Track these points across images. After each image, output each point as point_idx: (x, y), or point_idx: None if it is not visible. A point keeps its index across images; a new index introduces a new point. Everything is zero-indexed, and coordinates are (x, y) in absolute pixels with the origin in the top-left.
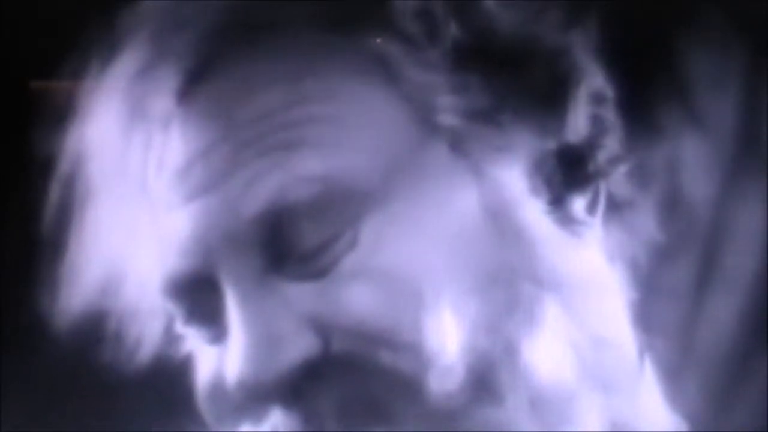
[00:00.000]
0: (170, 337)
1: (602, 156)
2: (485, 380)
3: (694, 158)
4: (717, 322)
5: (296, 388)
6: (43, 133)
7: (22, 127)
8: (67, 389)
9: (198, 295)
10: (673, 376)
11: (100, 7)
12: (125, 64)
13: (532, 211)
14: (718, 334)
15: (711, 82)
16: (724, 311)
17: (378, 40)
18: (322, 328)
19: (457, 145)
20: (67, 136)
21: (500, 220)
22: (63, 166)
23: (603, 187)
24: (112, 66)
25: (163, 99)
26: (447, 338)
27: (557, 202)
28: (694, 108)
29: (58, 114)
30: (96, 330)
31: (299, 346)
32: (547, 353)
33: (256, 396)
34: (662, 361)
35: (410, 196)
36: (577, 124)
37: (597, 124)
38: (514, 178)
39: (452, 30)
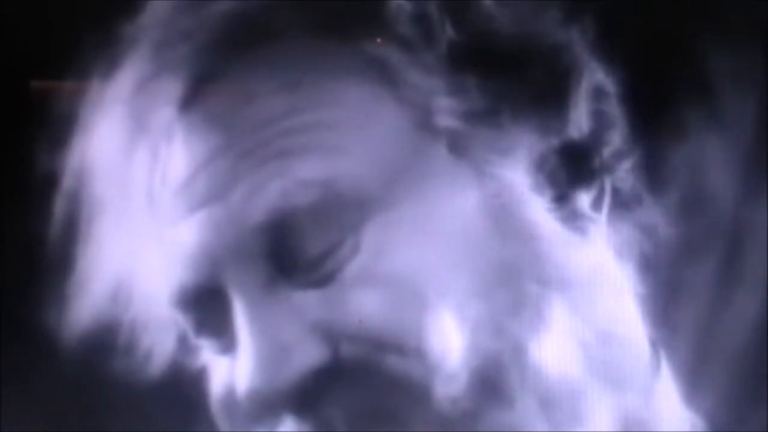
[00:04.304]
0: (185, 349)
1: (606, 151)
2: (494, 382)
3: (701, 153)
4: (728, 318)
5: (306, 395)
6: (47, 143)
7: (25, 137)
8: (77, 401)
9: (206, 306)
10: (685, 373)
11: (103, 16)
12: (127, 76)
13: (536, 209)
14: (729, 330)
15: (718, 75)
16: (736, 307)
17: (378, 40)
18: (330, 335)
19: (458, 146)
20: (72, 148)
21: (504, 220)
22: (68, 177)
23: (608, 183)
24: (114, 77)
25: (164, 109)
26: (454, 341)
27: (562, 199)
28: (700, 101)
29: (61, 124)
30: (106, 342)
31: (307, 354)
32: (556, 352)
33: (267, 405)
34: (673, 358)
35: (412, 199)
36: (580, 120)
37: (599, 119)
38: (516, 177)
39: (448, 32)
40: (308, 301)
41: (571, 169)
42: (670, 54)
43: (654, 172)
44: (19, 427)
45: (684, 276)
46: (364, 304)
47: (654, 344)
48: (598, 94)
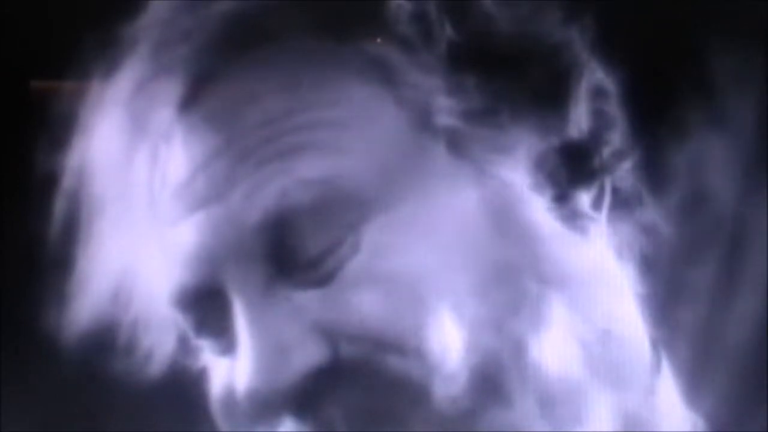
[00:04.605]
0: (185, 350)
1: (606, 151)
2: (494, 381)
3: (702, 152)
4: (728, 317)
5: (306, 395)
6: (47, 143)
7: (25, 137)
8: (77, 402)
9: (206, 306)
10: (685, 373)
11: (103, 17)
12: (127, 76)
13: (536, 208)
14: (730, 330)
15: (718, 75)
16: (736, 306)
17: (378, 40)
18: (330, 335)
19: (457, 146)
20: (71, 148)
21: (503, 219)
22: (68, 178)
23: (608, 183)
24: (114, 77)
25: (164, 110)
26: (454, 340)
27: (562, 198)
28: (701, 101)
29: (62, 125)
30: (106, 342)
31: (307, 354)
32: (556, 352)
33: (267, 405)
34: (674, 357)
35: (411, 198)
36: (580, 120)
37: (599, 119)
38: (516, 177)
39: (448, 31)
40: (308, 300)
41: (571, 169)
42: (670, 54)
43: (654, 172)
44: (19, 427)
45: (684, 276)
46: (364, 304)
47: (654, 344)
48: (598, 93)
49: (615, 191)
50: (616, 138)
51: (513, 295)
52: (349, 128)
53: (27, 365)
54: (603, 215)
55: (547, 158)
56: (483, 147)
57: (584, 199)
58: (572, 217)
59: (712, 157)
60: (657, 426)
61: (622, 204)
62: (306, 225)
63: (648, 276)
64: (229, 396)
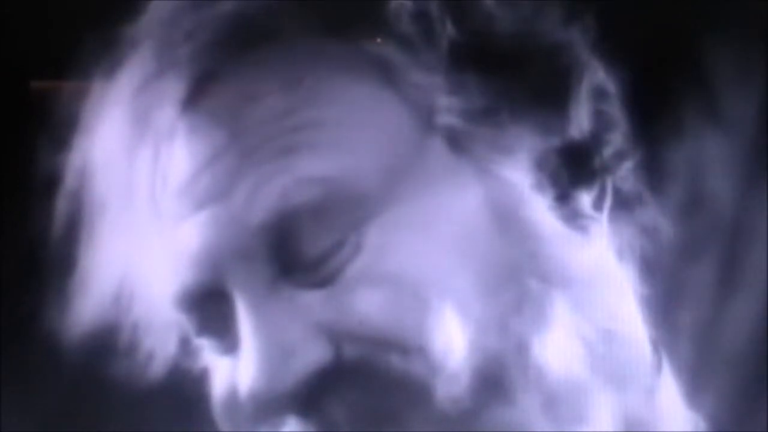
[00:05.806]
0: (187, 351)
1: (607, 151)
2: (496, 381)
3: (702, 152)
4: (729, 317)
5: (309, 395)
6: (48, 143)
7: (26, 137)
8: (78, 403)
9: (209, 306)
10: (687, 373)
11: (103, 17)
12: (128, 76)
13: (538, 208)
14: (731, 330)
15: (718, 75)
16: (737, 307)
17: (378, 40)
18: (333, 336)
19: (459, 145)
20: (73, 148)
21: (505, 219)
22: (69, 178)
23: (609, 183)
24: (115, 77)
25: (166, 110)
26: (457, 340)
27: (563, 198)
28: (701, 101)
29: (62, 125)
30: (108, 343)
31: (310, 354)
32: (558, 351)
33: (270, 406)
34: (675, 357)
35: (413, 198)
36: (581, 120)
37: (600, 119)
38: (518, 176)
39: (449, 31)
40: (311, 301)
41: (573, 169)
42: (670, 54)
43: (655, 172)
44: (19, 427)
45: (685, 276)
46: (366, 304)
47: (655, 344)
48: (598, 93)
49: (616, 191)
50: (617, 138)
51: (515, 295)
52: (351, 128)
53: (27, 365)
54: (604, 215)
55: (549, 158)
56: (484, 146)
57: (585, 199)
58: (573, 217)
59: (713, 158)
60: (658, 426)
61: (623, 204)
62: (308, 225)
63: (649, 276)
64: (232, 397)
